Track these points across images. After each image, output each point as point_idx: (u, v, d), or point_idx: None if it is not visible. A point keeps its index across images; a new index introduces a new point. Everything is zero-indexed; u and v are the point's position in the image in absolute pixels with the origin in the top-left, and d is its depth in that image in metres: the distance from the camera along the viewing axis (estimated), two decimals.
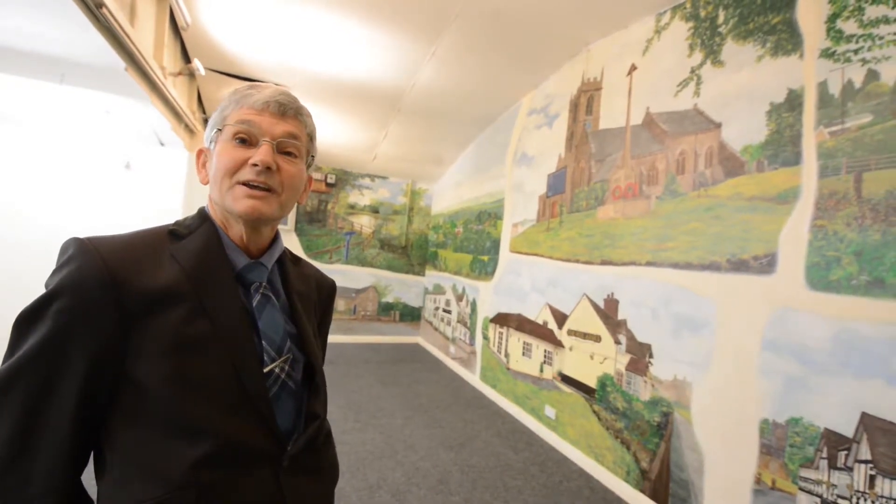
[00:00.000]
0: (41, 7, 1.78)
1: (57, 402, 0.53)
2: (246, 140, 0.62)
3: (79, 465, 0.57)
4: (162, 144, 4.03)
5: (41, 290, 0.56)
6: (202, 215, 0.67)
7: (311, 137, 0.70)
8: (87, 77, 2.49)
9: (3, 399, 0.52)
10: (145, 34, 2.34)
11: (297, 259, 0.80)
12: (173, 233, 0.63)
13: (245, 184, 0.61)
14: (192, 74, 3.36)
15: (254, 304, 0.65)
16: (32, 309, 0.54)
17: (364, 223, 6.13)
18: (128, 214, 3.92)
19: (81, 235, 0.57)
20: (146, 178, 4.03)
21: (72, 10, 1.65)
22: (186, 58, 3.25)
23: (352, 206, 6.07)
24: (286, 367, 0.65)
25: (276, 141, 0.63)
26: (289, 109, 0.64)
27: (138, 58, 2.13)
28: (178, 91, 3.02)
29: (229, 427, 0.57)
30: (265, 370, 0.62)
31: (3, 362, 0.54)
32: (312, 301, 0.78)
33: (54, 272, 0.55)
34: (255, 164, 0.60)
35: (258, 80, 3.72)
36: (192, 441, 0.55)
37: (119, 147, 4.00)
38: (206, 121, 4.48)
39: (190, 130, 3.65)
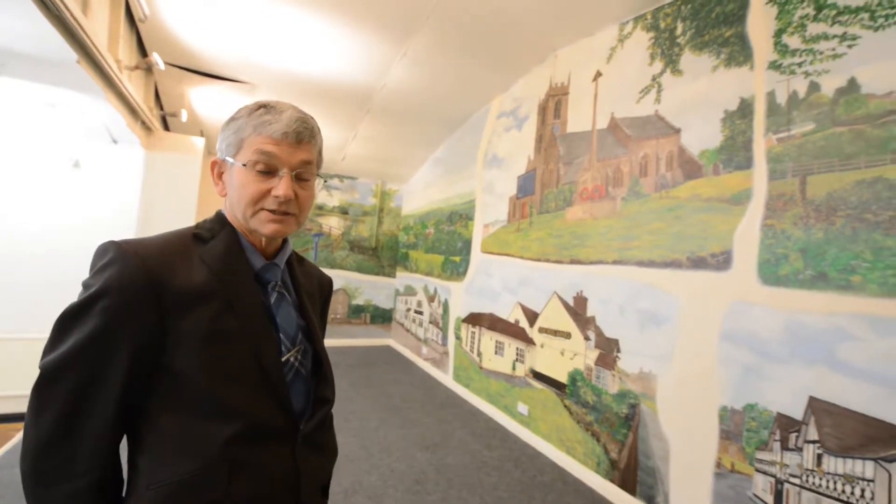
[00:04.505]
0: None
1: (102, 391, 0.59)
2: (266, 170, 0.68)
3: (117, 444, 0.63)
4: (114, 142, 3.79)
5: None
6: (221, 220, 0.73)
7: (320, 152, 0.76)
8: (33, 69, 2.31)
9: (51, 387, 0.58)
10: (99, 25, 2.21)
11: (301, 259, 0.87)
12: (197, 236, 0.69)
13: (268, 210, 0.68)
14: (149, 69, 3.19)
15: (271, 301, 0.73)
16: (78, 306, 0.59)
17: (333, 224, 6.02)
18: (77, 214, 3.68)
19: (116, 239, 0.62)
20: (97, 177, 3.78)
21: None
22: (143, 51, 3.09)
23: (320, 208, 5.95)
24: (299, 357, 0.73)
25: (295, 172, 0.69)
26: (305, 137, 0.69)
27: (92, 50, 2.00)
28: (134, 86, 2.86)
29: (255, 409, 0.65)
30: (282, 359, 0.70)
31: (45, 356, 0.59)
32: (316, 297, 0.86)
33: (95, 273, 0.60)
34: (278, 196, 0.67)
35: (221, 78, 3.58)
36: (225, 421, 0.63)
37: (66, 144, 3.74)
38: (163, 117, 4.26)
39: (147, 127, 3.47)
